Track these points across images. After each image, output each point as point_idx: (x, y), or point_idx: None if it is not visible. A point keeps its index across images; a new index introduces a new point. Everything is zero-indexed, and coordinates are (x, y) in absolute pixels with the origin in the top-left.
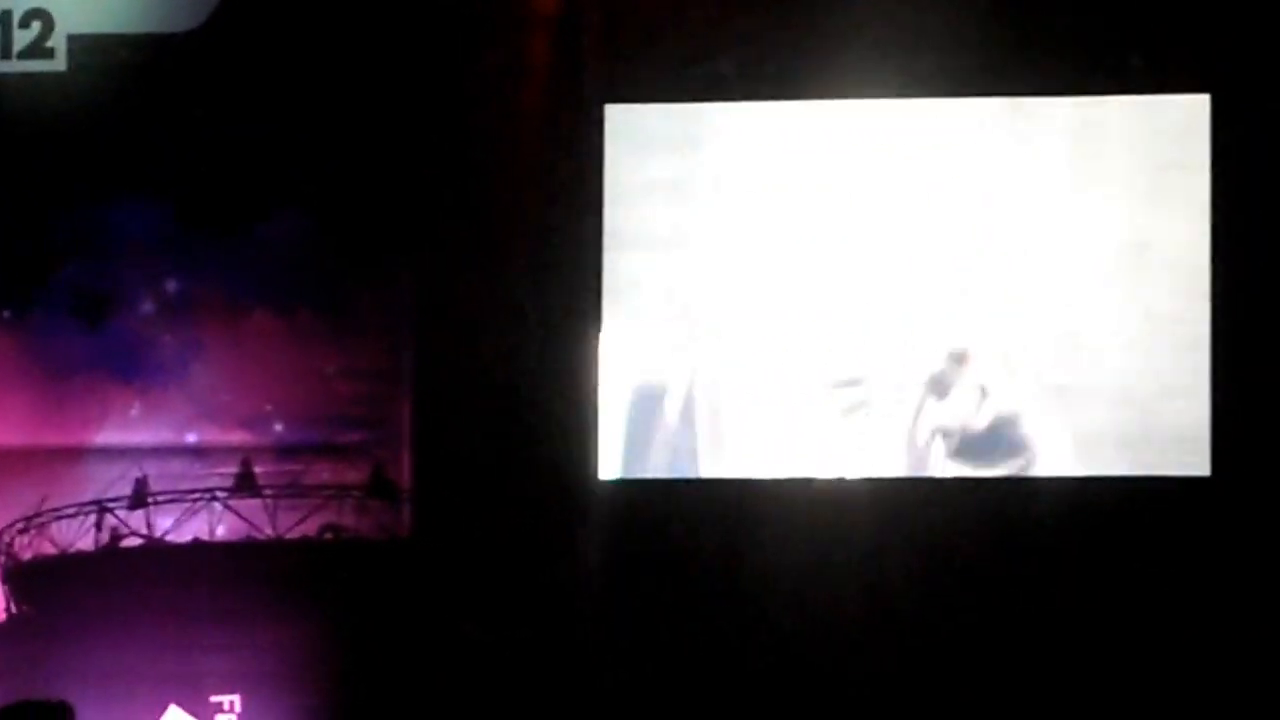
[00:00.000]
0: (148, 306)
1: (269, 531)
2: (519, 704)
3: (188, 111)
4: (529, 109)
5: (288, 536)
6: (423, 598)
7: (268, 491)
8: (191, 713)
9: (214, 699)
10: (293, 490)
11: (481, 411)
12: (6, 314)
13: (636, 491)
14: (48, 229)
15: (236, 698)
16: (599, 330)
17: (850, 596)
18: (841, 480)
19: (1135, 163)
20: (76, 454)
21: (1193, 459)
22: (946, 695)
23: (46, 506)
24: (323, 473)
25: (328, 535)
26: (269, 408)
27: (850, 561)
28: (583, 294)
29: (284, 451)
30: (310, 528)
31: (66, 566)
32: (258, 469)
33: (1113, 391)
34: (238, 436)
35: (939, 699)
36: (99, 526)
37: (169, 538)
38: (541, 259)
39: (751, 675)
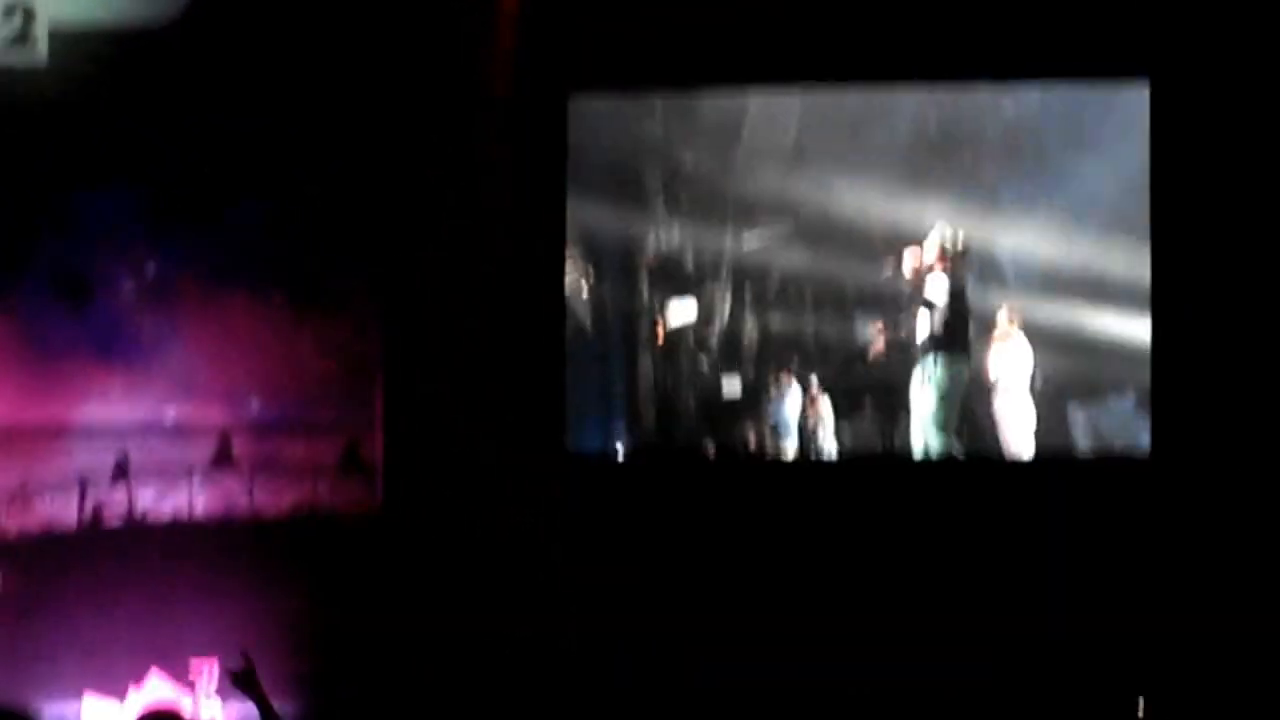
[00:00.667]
0: (127, 289)
1: (246, 506)
2: (491, 672)
3: (165, 101)
4: (496, 98)
5: (264, 511)
6: (394, 570)
7: (245, 467)
8: (171, 680)
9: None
10: (269, 466)
11: (451, 389)
12: None
13: (604, 464)
14: (30, 215)
15: (215, 664)
16: (564, 309)
17: (807, 569)
18: (803, 458)
19: (1073, 146)
20: (59, 432)
21: (1132, 439)
22: (894, 668)
23: (31, 483)
24: (298, 449)
25: (303, 509)
26: (245, 387)
27: (808, 536)
28: (549, 274)
29: (260, 429)
30: (286, 502)
31: (50, 541)
32: (235, 446)
33: (1054, 373)
34: (215, 414)
35: (889, 671)
36: (82, 501)
37: (149, 512)
38: (508, 243)
39: (720, 640)
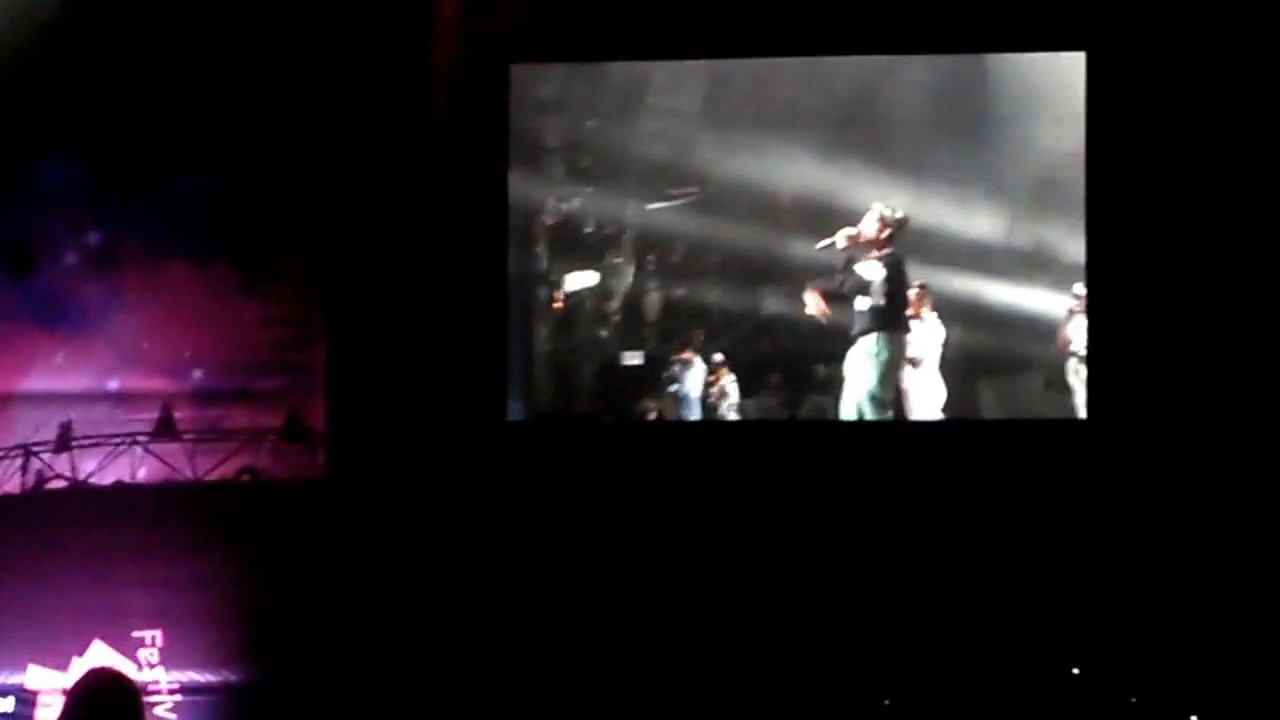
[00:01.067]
0: (71, 258)
1: (188, 474)
2: (429, 638)
3: (109, 71)
4: (437, 69)
5: (206, 478)
6: (337, 536)
7: (187, 436)
8: (115, 647)
9: (136, 634)
10: (211, 434)
11: (392, 358)
12: None
13: (543, 432)
14: None
15: (158, 632)
16: (506, 278)
17: (741, 535)
18: (738, 423)
19: (1011, 115)
20: (3, 400)
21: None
22: (833, 628)
23: None
24: (240, 417)
25: (245, 477)
26: (188, 355)
27: (742, 501)
28: (491, 244)
29: (203, 397)
30: (228, 470)
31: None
32: (177, 414)
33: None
34: (158, 383)
35: (826, 630)
36: (25, 469)
37: (92, 480)
38: (449, 212)
39: (654, 601)
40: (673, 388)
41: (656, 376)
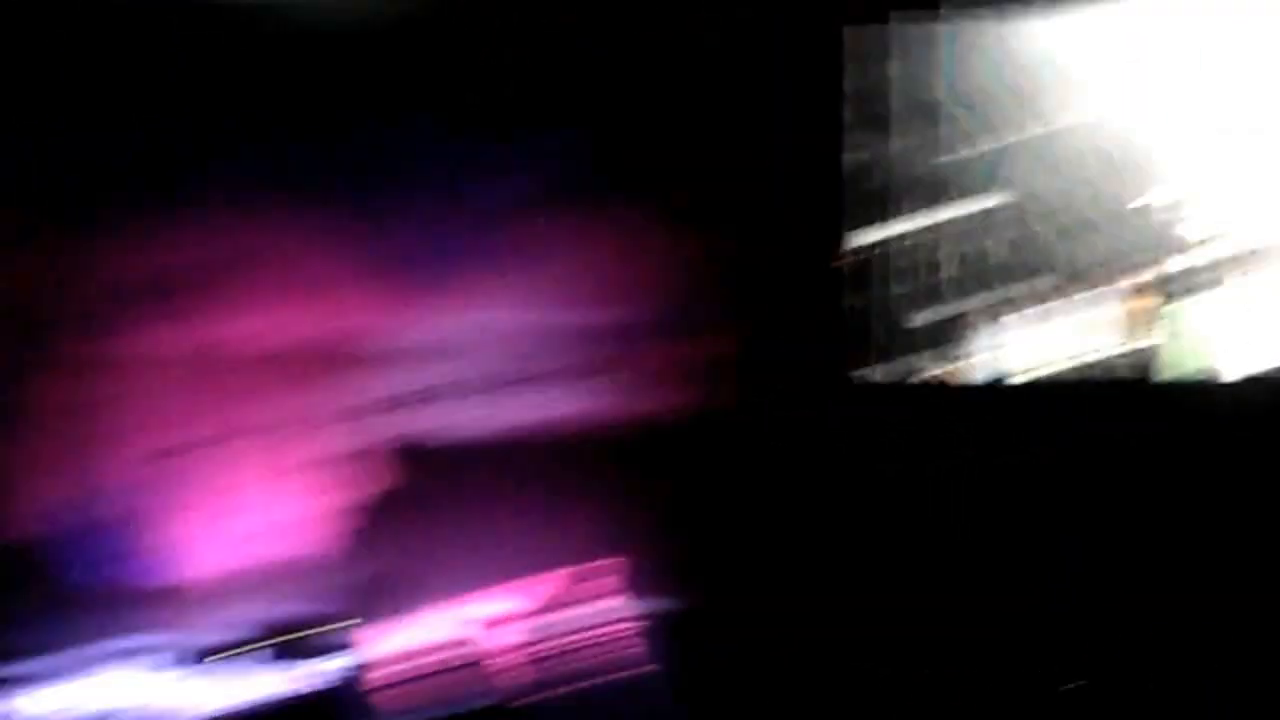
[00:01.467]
0: (486, 200)
1: (617, 412)
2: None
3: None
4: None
5: (625, 419)
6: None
7: (602, 376)
8: (577, 577)
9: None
10: (631, 373)
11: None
12: None
13: (888, 393)
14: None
15: (615, 561)
16: (840, 239)
17: (1054, 495)
18: (1057, 380)
19: None
20: (429, 342)
21: None
22: (1116, 583)
23: (410, 391)
24: (656, 357)
25: (665, 416)
26: (604, 294)
27: (1050, 462)
28: (832, 198)
29: (622, 335)
30: (651, 408)
31: (447, 448)
32: (595, 354)
33: None
34: (574, 322)
35: (1114, 586)
36: (449, 414)
37: (514, 423)
38: (793, 166)
39: (992, 565)
40: (974, 347)
41: (956, 336)
